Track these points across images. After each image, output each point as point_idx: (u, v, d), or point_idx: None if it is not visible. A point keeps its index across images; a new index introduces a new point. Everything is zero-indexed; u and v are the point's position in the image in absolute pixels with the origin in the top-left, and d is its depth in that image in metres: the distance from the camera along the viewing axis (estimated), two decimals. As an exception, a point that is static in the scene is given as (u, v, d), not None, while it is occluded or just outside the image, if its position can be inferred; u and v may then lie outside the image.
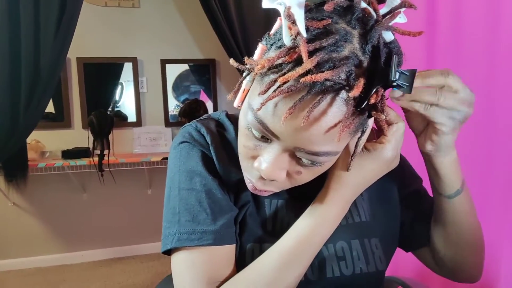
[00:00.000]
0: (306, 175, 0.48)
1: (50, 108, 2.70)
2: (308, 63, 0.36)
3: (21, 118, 1.98)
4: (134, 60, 2.88)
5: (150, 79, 2.94)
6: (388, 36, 0.41)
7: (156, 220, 3.02)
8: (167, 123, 2.98)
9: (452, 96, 0.46)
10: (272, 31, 0.47)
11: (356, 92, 0.37)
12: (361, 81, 0.37)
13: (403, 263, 1.51)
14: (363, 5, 0.39)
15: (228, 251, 0.54)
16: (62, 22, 1.93)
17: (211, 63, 3.02)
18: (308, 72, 0.36)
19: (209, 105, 3.02)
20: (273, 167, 0.45)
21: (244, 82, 0.49)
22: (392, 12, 0.41)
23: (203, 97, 3.03)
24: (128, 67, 2.89)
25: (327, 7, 0.38)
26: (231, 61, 0.47)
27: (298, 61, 0.37)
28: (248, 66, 0.43)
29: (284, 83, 0.37)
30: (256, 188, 0.50)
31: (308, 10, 0.40)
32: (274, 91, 0.38)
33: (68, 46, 2.04)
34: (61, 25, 1.92)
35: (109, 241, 2.96)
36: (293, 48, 0.38)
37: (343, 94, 0.38)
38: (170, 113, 2.99)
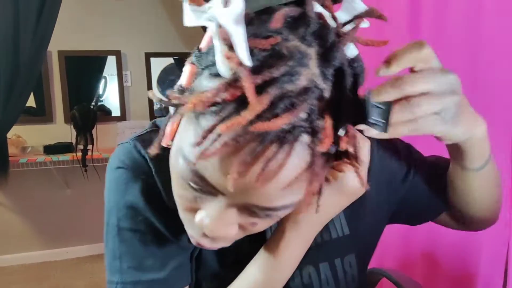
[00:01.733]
0: (263, 224, 0.38)
1: (31, 102, 2.63)
2: (257, 106, 0.27)
3: (1, 113, 1.94)
4: (117, 54, 2.83)
5: (134, 73, 2.90)
6: (351, 51, 0.32)
7: (142, 216, 3.00)
8: (152, 118, 2.95)
9: (427, 100, 0.34)
10: (203, 45, 0.36)
11: (325, 140, 0.29)
12: (327, 121, 0.29)
13: (386, 255, 1.54)
14: (318, 8, 0.31)
15: None
16: (43, 13, 1.88)
17: (196, 57, 2.99)
18: (258, 116, 0.27)
19: (195, 99, 3.00)
20: (218, 224, 0.35)
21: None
22: (354, 20, 0.33)
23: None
24: (111, 61, 2.84)
25: (275, 21, 0.29)
26: (150, 94, 0.37)
27: (243, 101, 0.27)
28: (174, 101, 0.33)
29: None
30: (201, 245, 0.40)
31: (248, 22, 0.29)
32: (215, 140, 0.29)
33: (49, 39, 2.00)
34: (41, 16, 1.88)
35: (94, 237, 2.93)
36: (234, 81, 0.28)
37: (304, 138, 0.30)
38: (155, 108, 2.96)
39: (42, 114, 2.71)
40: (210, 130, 0.29)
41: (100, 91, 2.87)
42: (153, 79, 2.94)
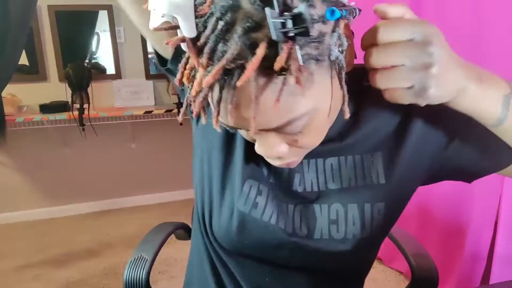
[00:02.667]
0: (306, 139, 0.43)
1: (23, 60, 2.58)
2: (200, 67, 0.34)
3: (-7, 71, 1.89)
4: (109, 8, 2.73)
5: (128, 29, 2.81)
6: None
7: (142, 173, 3.04)
8: (148, 76, 2.90)
9: (398, 74, 0.39)
10: None
11: (253, 62, 0.32)
12: (262, 47, 0.32)
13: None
14: None
15: None
16: (28, -35, 1.78)
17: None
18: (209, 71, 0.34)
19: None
20: (266, 148, 0.43)
21: None
22: None
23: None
24: (103, 16, 2.75)
25: None
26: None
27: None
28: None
29: (198, 93, 0.36)
30: (278, 165, 0.48)
31: None
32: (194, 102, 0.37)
33: (37, -7, 1.91)
34: (27, -31, 1.79)
35: (95, 195, 2.98)
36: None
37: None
38: (150, 65, 2.90)
39: (35, 72, 2.66)
40: (194, 95, 0.36)
41: (93, 48, 2.80)
42: (147, 35, 2.86)
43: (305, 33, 0.32)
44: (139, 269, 0.82)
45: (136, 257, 0.85)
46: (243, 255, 0.59)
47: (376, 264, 2.02)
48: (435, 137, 0.52)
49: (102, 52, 2.81)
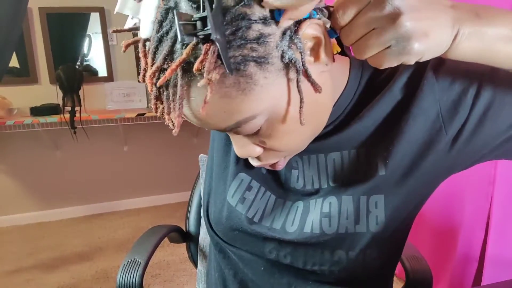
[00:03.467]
0: (273, 142, 0.43)
1: (14, 62, 2.55)
2: (148, 68, 0.37)
3: (-17, 74, 1.87)
4: (101, 10, 2.72)
5: (120, 31, 2.80)
6: None
7: (134, 177, 3.02)
8: (140, 78, 2.89)
9: (371, 41, 0.35)
10: None
11: (175, 63, 0.34)
12: (189, 48, 0.33)
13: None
14: None
15: None
16: (19, -33, 1.77)
17: (184, 14, 2.89)
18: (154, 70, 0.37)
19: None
20: (238, 147, 0.46)
21: None
22: None
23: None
24: (95, 18, 2.73)
25: None
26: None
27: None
28: None
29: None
30: (261, 166, 0.50)
31: None
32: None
33: (28, -6, 1.89)
34: (18, -30, 1.77)
35: (87, 198, 2.96)
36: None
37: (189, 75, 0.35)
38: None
39: (26, 74, 2.64)
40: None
41: (85, 50, 2.78)
42: (139, 38, 2.85)
43: (211, 35, 0.31)
44: (132, 272, 0.81)
45: (129, 260, 0.84)
46: (237, 245, 0.60)
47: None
48: (453, 122, 0.46)
49: (94, 54, 2.80)
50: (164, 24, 0.35)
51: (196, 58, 0.33)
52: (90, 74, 2.79)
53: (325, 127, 0.50)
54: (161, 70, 0.36)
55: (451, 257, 1.59)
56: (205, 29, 0.31)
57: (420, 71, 0.47)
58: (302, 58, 0.37)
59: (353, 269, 0.53)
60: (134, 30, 0.39)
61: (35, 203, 2.84)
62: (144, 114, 2.62)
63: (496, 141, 0.46)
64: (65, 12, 2.66)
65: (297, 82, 0.38)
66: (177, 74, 0.35)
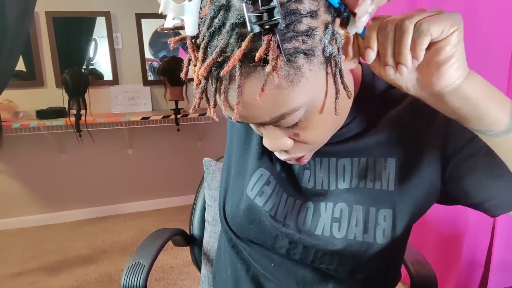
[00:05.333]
0: (306, 133, 0.45)
1: (21, 66, 2.57)
2: (198, 62, 0.38)
3: (-10, 77, 1.89)
4: (107, 14, 2.74)
5: (125, 35, 2.82)
6: None
7: (139, 180, 3.03)
8: (146, 82, 2.90)
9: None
10: None
11: (237, 53, 0.35)
12: (247, 40, 0.35)
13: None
14: None
15: None
16: (27, -28, 1.79)
17: (189, 18, 2.90)
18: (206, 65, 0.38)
19: (188, 62, 2.94)
20: (270, 141, 0.46)
21: None
22: None
23: (182, 54, 2.94)
24: (101, 22, 2.75)
25: None
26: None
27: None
28: None
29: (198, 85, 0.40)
30: (287, 160, 0.51)
31: None
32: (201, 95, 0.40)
33: (35, -1, 1.91)
34: (25, -25, 1.79)
35: (92, 201, 2.97)
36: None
37: (245, 62, 0.37)
38: (148, 71, 2.90)
39: (32, 78, 2.66)
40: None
41: (91, 54, 2.80)
42: (145, 42, 2.87)
43: (278, 24, 0.34)
44: (137, 275, 0.81)
45: (134, 263, 0.84)
46: (250, 240, 0.62)
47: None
48: (452, 147, 0.50)
49: (100, 58, 2.82)
50: (215, 21, 0.37)
51: (251, 50, 0.36)
52: (96, 77, 2.81)
53: (340, 129, 0.52)
54: (216, 63, 0.38)
55: (456, 262, 1.57)
56: (272, 19, 0.34)
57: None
58: (339, 53, 0.40)
59: (359, 271, 0.56)
60: (178, 29, 0.41)
61: (40, 206, 2.86)
62: (149, 117, 2.63)
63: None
64: (71, 16, 2.68)
65: (335, 75, 0.41)
66: (235, 66, 0.37)
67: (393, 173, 0.53)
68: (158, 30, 0.41)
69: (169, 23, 0.41)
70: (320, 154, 0.54)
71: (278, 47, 0.35)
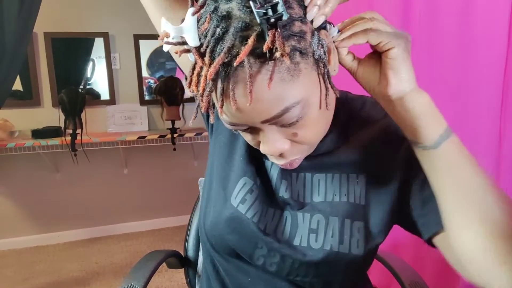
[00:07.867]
0: (304, 132, 0.47)
1: (18, 85, 2.58)
2: (205, 66, 0.41)
3: (-14, 96, 1.89)
4: (105, 35, 2.77)
5: (123, 55, 2.85)
6: None
7: (133, 200, 3.00)
8: (142, 101, 2.92)
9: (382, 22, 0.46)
10: None
11: (246, 47, 0.39)
12: (252, 38, 0.39)
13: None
14: None
15: None
16: (27, -6, 1.82)
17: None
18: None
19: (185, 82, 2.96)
20: (270, 144, 0.48)
21: None
22: None
23: (179, 74, 2.97)
24: (99, 43, 2.78)
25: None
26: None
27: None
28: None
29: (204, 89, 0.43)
30: (282, 165, 0.53)
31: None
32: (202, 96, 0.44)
33: (35, 20, 1.94)
34: (25, -3, 1.82)
35: (85, 221, 2.93)
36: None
37: (247, 60, 0.40)
38: (145, 91, 2.92)
39: (29, 97, 2.66)
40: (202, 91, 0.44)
41: (88, 74, 2.82)
42: (142, 62, 2.90)
43: (282, 16, 0.39)
44: (129, 299, 0.79)
45: (126, 286, 0.82)
46: (227, 253, 0.63)
47: (371, 292, 1.98)
48: (411, 172, 0.55)
49: (97, 78, 2.83)
50: (218, 29, 0.40)
51: (256, 48, 0.39)
52: (93, 97, 2.82)
53: (316, 147, 0.55)
54: (223, 64, 0.41)
55: (455, 284, 1.55)
56: (277, 13, 0.39)
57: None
58: (326, 56, 0.45)
59: (334, 282, 0.59)
60: (182, 44, 0.44)
61: (33, 227, 2.81)
62: (145, 137, 2.63)
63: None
64: (70, 37, 2.71)
65: (323, 75, 0.45)
66: (243, 61, 0.40)
67: (364, 188, 0.58)
68: (161, 42, 0.44)
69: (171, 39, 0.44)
70: (296, 169, 0.56)
71: (282, 39, 0.39)
